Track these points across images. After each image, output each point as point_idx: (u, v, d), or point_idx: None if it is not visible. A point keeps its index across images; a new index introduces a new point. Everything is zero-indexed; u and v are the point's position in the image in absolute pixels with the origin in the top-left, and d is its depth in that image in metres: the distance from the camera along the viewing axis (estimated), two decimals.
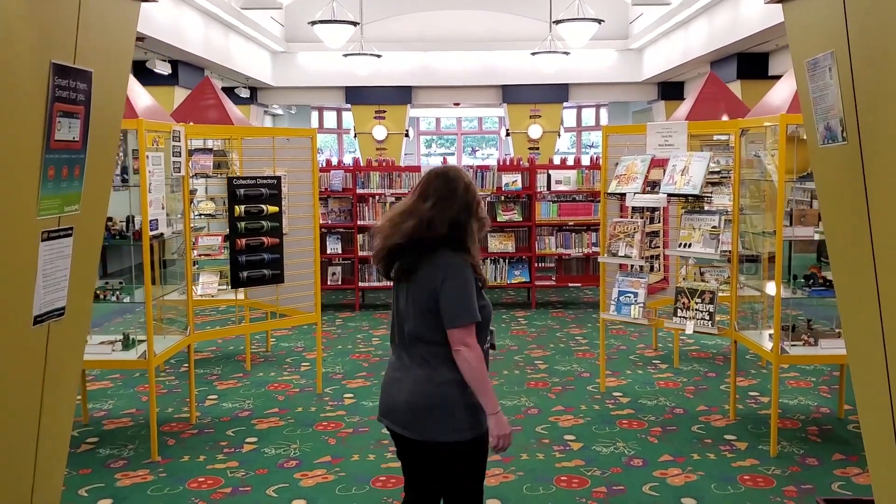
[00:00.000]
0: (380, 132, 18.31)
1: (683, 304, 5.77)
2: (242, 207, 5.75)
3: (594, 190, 9.69)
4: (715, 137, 7.17)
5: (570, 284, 9.95)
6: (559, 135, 18.97)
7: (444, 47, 17.71)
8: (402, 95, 18.28)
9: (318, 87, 18.31)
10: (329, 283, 9.74)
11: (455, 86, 18.28)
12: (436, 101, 19.07)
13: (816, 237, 5.23)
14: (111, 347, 5.28)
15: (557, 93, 18.31)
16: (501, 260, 9.66)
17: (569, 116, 22.48)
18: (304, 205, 6.36)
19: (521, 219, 9.63)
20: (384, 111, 18.28)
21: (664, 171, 6.32)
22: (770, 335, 5.41)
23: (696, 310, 5.69)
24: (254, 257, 5.83)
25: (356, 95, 18.31)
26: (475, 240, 2.92)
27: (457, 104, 19.67)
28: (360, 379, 6.79)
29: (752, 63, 13.37)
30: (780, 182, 4.87)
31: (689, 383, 6.58)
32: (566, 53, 15.42)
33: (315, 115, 22.96)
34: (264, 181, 5.87)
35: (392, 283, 3.00)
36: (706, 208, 5.70)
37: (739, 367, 6.94)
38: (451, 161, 21.61)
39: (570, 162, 11.20)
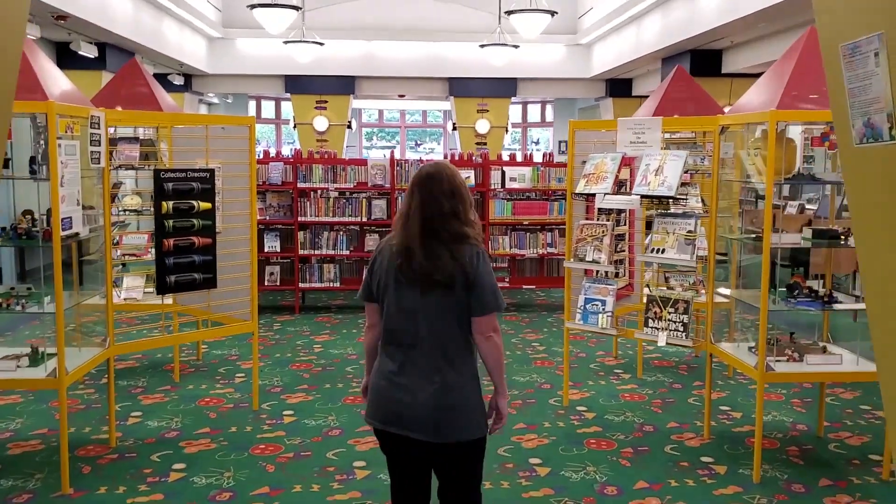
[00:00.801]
0: (321, 123, 17.62)
1: (655, 313, 5.35)
2: (170, 204, 5.11)
3: (550, 188, 9.26)
4: (676, 135, 6.78)
5: (524, 286, 9.51)
6: (507, 130, 18.54)
7: (390, 36, 17.08)
8: (344, 85, 17.61)
9: (257, 75, 17.51)
10: (266, 283, 9.10)
11: (400, 77, 17.68)
12: (380, 92, 18.45)
13: (802, 243, 4.85)
14: (16, 363, 4.61)
15: (505, 87, 17.87)
16: None
17: (514, 112, 22.10)
18: (240, 200, 5.74)
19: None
20: (326, 101, 17.58)
21: (631, 170, 5.91)
22: (750, 348, 5.02)
23: (669, 320, 5.27)
24: (183, 259, 5.20)
25: (296, 85, 17.57)
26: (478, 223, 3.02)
27: (402, 96, 19.09)
28: (300, 393, 6.20)
29: (705, 60, 13.11)
30: (768, 184, 4.47)
31: (655, 395, 6.17)
32: (515, 47, 15.01)
33: (253, 104, 22.10)
34: (196, 175, 5.24)
35: (391, 286, 2.92)
36: (680, 211, 5.29)
37: (698, 374, 6.58)
38: (396, 154, 21.01)
39: (519, 158, 10.77)
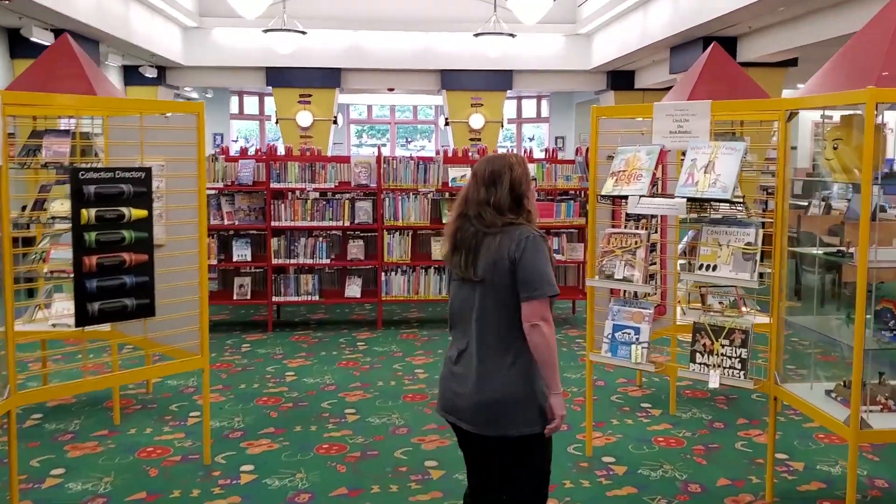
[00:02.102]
0: (304, 118, 16.48)
1: (704, 346, 4.29)
2: (93, 212, 4.03)
3: (556, 187, 8.20)
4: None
5: None
6: (503, 125, 17.46)
7: (378, 26, 15.95)
8: (329, 78, 16.47)
9: (236, 67, 16.36)
10: (236, 297, 8.01)
11: (389, 69, 16.55)
12: (368, 85, 17.30)
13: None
14: None
15: (500, 80, 16.79)
16: (439, 269, 8.07)
17: (508, 108, 21.08)
18: (190, 206, 4.65)
19: None
20: (310, 95, 16.43)
21: (663, 166, 4.85)
22: (828, 392, 3.97)
23: (723, 355, 4.22)
24: (110, 282, 4.11)
25: (278, 77, 16.42)
26: (531, 219, 2.92)
27: (391, 90, 17.97)
28: (265, 439, 5.11)
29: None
30: (865, 185, 3.41)
31: (696, 440, 5.12)
32: (511, 36, 13.99)
33: (235, 99, 20.98)
34: (127, 175, 4.16)
35: (452, 273, 2.96)
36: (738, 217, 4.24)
37: (740, 408, 5.54)
38: (385, 152, 19.93)
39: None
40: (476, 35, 14.07)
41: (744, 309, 5.94)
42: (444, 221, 7.97)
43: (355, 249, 8.04)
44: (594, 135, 4.75)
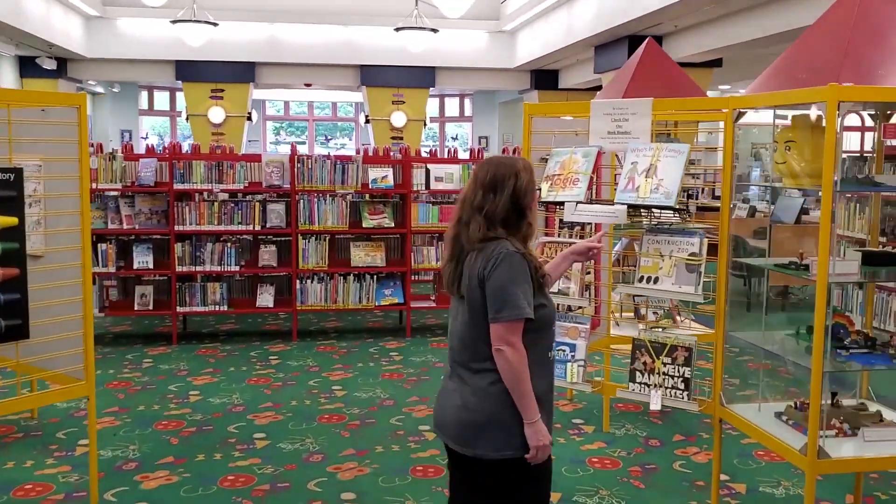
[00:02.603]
0: (216, 114, 15.73)
1: (644, 364, 3.97)
2: None
3: None
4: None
5: None
6: (425, 124, 17.06)
7: (294, 19, 15.31)
8: (243, 73, 15.75)
9: (143, 59, 15.48)
10: (137, 306, 7.38)
11: (306, 63, 15.90)
12: (284, 80, 16.63)
13: (855, 278, 3.50)
14: None
15: (423, 76, 16.39)
16: (368, 276, 7.62)
17: (431, 106, 20.72)
18: (72, 212, 4.08)
19: (392, 224, 7.63)
20: (222, 90, 15.68)
21: (597, 169, 4.52)
22: (778, 415, 3.69)
23: (665, 374, 3.90)
24: None
25: (189, 71, 15.62)
26: (531, 232, 2.70)
27: (308, 85, 17.35)
28: (163, 470, 4.57)
29: None
30: (825, 190, 3.12)
31: (632, 460, 4.80)
32: (434, 31, 13.61)
33: (145, 94, 20.02)
34: None
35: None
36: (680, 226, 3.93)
37: (676, 423, 5.27)
38: (304, 150, 19.27)
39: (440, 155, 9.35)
40: (397, 29, 13.66)
41: (678, 318, 5.70)
42: (364, 225, 7.54)
43: (267, 256, 7.50)
44: (527, 135, 4.39)
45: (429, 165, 7.62)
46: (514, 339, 2.51)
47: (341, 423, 5.40)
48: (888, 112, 3.88)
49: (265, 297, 7.58)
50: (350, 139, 23.78)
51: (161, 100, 20.20)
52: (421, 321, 8.40)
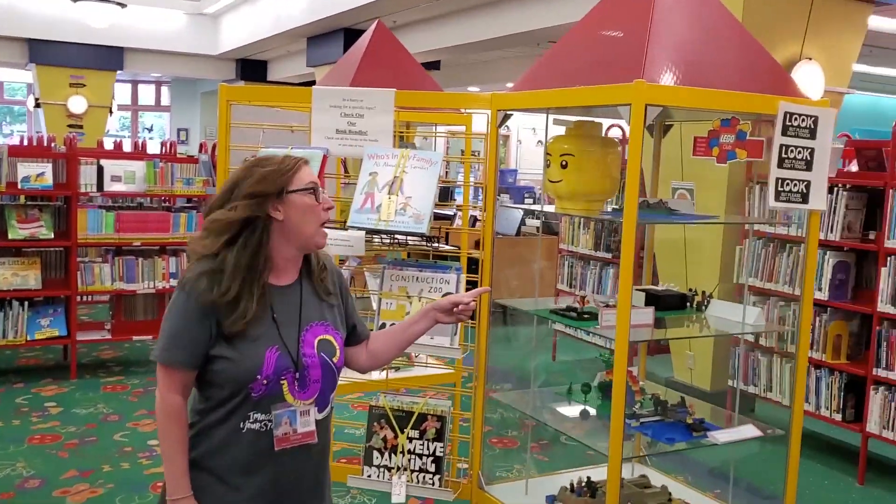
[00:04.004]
0: None
1: (385, 440, 3.01)
2: None
3: (174, 193, 6.45)
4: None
5: (134, 337, 6.49)
6: (111, 111, 14.89)
7: None
8: None
9: None
10: None
11: None
12: None
13: (647, 334, 2.80)
14: None
15: (108, 57, 14.26)
16: (16, 302, 5.90)
17: (122, 93, 18.43)
18: None
19: (51, 235, 5.94)
20: None
21: (320, 176, 3.49)
22: (551, 499, 2.92)
23: (411, 452, 2.97)
24: None
25: None
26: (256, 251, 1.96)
27: None
28: None
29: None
30: (627, 222, 2.35)
31: None
32: (121, 6, 11.84)
33: None
34: None
35: None
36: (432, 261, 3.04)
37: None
38: None
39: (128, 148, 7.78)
40: (75, 0, 11.60)
41: (414, 356, 4.84)
42: (11, 237, 5.82)
43: None
44: (224, 126, 3.22)
45: (102, 161, 6.08)
46: (161, 383, 2.00)
47: None
48: (668, 123, 3.28)
49: None
50: (23, 125, 20.53)
51: None
52: (93, 355, 6.77)
